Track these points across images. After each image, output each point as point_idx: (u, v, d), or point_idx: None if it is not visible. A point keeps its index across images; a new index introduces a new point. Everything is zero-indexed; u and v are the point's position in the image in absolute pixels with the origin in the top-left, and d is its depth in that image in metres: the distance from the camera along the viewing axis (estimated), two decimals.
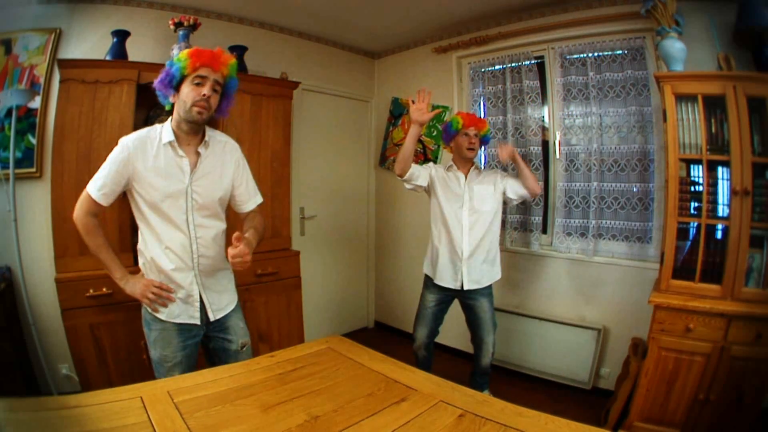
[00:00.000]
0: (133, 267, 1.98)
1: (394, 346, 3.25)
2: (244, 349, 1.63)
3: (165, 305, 1.48)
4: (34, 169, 2.23)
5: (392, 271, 3.75)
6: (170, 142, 1.44)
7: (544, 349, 2.73)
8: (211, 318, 1.56)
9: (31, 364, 2.21)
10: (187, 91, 1.40)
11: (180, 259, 1.48)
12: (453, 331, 2.53)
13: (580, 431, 0.95)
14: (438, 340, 2.47)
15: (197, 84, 1.40)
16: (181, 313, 1.50)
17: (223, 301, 1.60)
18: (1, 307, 2.06)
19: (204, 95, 1.40)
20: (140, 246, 1.52)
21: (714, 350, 1.81)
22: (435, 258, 2.29)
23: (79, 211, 1.45)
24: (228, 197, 1.60)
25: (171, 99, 1.45)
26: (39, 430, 0.90)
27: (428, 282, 2.35)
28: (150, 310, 1.50)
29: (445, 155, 3.26)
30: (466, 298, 2.27)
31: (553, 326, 2.69)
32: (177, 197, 1.44)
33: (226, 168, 1.56)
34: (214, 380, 1.18)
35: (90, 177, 1.47)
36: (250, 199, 1.66)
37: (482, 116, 3.08)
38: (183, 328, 1.51)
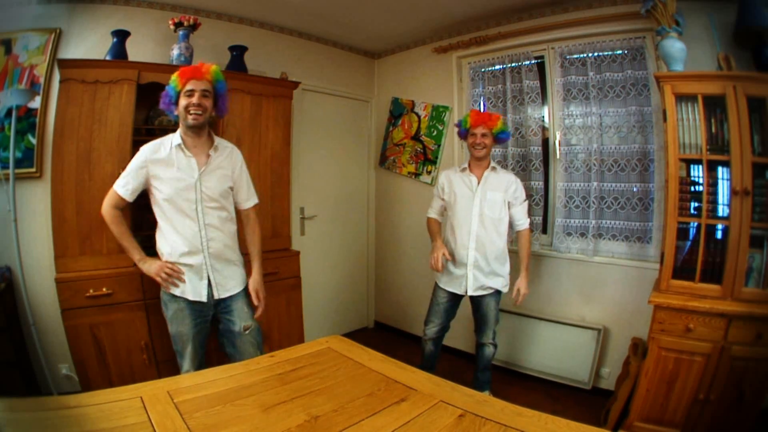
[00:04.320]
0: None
1: (394, 346, 3.26)
2: (247, 332, 1.82)
3: (176, 285, 1.72)
4: (34, 169, 2.23)
5: (392, 271, 3.75)
6: (178, 145, 1.73)
7: (544, 349, 2.73)
8: (216, 296, 1.77)
9: (31, 364, 2.21)
10: (182, 103, 1.70)
11: (191, 243, 1.73)
12: (454, 331, 2.53)
13: (580, 431, 0.95)
14: None
15: (188, 95, 1.69)
16: (191, 290, 1.74)
17: (230, 284, 1.82)
18: (1, 307, 2.06)
19: (193, 103, 1.68)
20: (159, 237, 1.76)
21: (714, 350, 1.81)
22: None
23: (105, 205, 1.73)
24: (231, 192, 1.86)
25: (176, 113, 1.74)
26: (39, 430, 0.90)
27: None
28: (165, 290, 1.75)
29: (446, 156, 3.26)
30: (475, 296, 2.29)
31: (553, 326, 2.69)
32: (187, 190, 1.71)
33: (230, 168, 1.85)
34: (214, 380, 1.18)
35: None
36: (249, 199, 1.95)
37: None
38: (194, 308, 1.75)
